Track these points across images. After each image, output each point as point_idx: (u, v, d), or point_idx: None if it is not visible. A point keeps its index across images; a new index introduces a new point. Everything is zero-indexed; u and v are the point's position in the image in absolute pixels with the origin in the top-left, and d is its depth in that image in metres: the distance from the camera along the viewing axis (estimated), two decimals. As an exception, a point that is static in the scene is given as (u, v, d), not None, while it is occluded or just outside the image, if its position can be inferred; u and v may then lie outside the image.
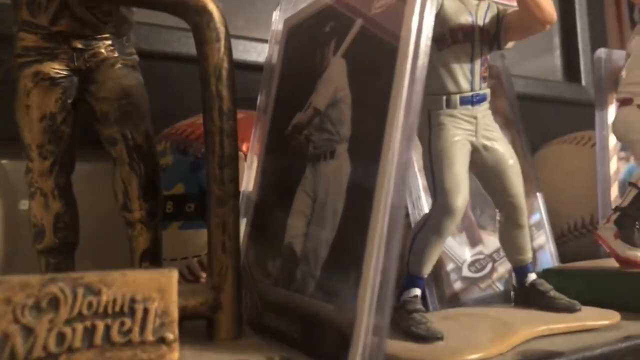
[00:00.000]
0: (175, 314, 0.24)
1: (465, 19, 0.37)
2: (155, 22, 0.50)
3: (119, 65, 0.35)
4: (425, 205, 0.45)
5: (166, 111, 0.44)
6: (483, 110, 0.38)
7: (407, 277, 0.37)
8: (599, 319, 0.37)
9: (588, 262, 0.51)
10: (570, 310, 0.38)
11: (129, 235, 0.33)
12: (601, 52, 0.58)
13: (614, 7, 0.88)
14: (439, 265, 0.47)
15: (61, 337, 0.22)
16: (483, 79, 0.38)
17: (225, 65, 0.29)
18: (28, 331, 0.21)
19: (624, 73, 0.50)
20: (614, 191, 0.57)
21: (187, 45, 0.52)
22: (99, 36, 0.34)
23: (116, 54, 0.35)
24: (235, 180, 0.29)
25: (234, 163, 0.29)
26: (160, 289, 0.23)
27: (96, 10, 0.33)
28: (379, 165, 0.24)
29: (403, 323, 0.34)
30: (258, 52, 0.56)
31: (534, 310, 0.39)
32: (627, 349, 0.34)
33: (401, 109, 0.24)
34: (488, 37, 0.38)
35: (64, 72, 0.34)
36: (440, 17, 0.37)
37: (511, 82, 0.59)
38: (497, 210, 0.40)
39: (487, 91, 0.38)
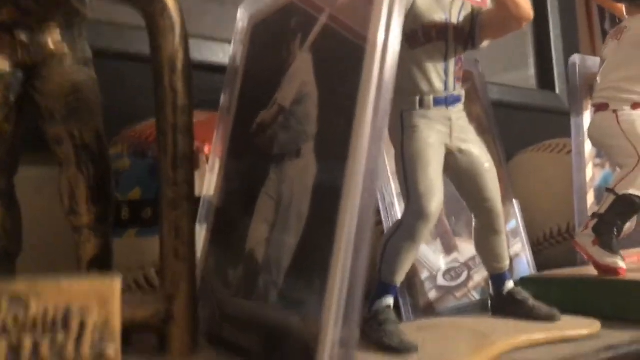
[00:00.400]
0: (117, 326, 0.21)
1: (439, 16, 0.36)
2: (112, 20, 0.47)
3: (69, 62, 0.32)
4: (398, 211, 0.43)
5: (123, 113, 0.41)
6: (457, 112, 0.36)
7: (379, 286, 0.35)
8: (579, 328, 0.36)
9: (566, 270, 0.49)
10: (550, 319, 0.37)
11: (75, 241, 0.30)
12: (575, 58, 0.57)
13: (586, 18, 0.88)
14: (413, 274, 0.45)
15: (-19, 355, 0.19)
16: (457, 79, 0.37)
17: (180, 56, 0.26)
18: (-59, 349, 0.18)
19: (599, 79, 0.49)
20: (590, 198, 0.56)
21: (140, 44, 0.50)
22: (46, 28, 0.32)
23: (66, 49, 0.32)
24: (190, 181, 0.26)
25: (188, 163, 0.26)
26: (101, 299, 0.21)
27: (42, -2, 0.30)
28: (347, 165, 0.22)
29: (374, 334, 0.32)
30: (225, 53, 0.54)
31: (512, 319, 0.37)
32: (609, 359, 0.33)
33: (369, 109, 0.22)
34: (462, 36, 0.36)
35: (7, 66, 0.31)
36: (412, 14, 0.36)
37: (486, 88, 0.58)
38: (473, 216, 0.39)
39: (462, 92, 0.37)
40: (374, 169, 0.22)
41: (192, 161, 0.26)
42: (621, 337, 0.35)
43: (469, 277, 0.46)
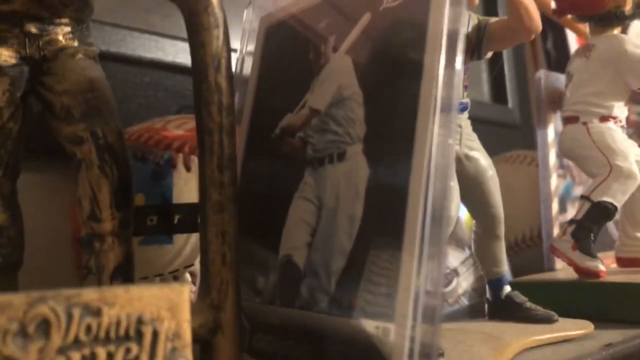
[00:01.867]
0: (188, 336, 0.20)
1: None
2: (99, 19, 0.45)
3: (80, 56, 0.30)
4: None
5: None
6: (465, 119, 0.37)
7: None
8: (576, 329, 0.37)
9: (539, 275, 0.52)
10: (549, 321, 0.38)
11: (95, 250, 0.28)
12: (540, 73, 0.60)
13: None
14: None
15: (54, 370, 0.17)
16: (465, 87, 0.38)
17: (225, 54, 0.25)
18: (11, 365, 0.17)
19: (568, 93, 0.52)
20: (555, 207, 0.59)
21: (132, 45, 0.48)
22: (57, 21, 0.30)
23: (76, 43, 0.30)
24: (235, 184, 0.25)
25: (233, 165, 0.25)
26: (171, 307, 0.20)
27: (56, -12, 0.28)
28: (412, 164, 0.22)
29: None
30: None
31: (511, 322, 0.38)
32: (611, 356, 0.34)
33: (437, 101, 0.22)
34: (469, 47, 0.37)
35: (13, 60, 0.29)
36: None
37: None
38: (475, 221, 0.40)
39: (468, 100, 0.38)
40: (445, 164, 0.22)
41: (236, 163, 0.25)
42: (614, 336, 0.37)
43: (458, 284, 0.47)
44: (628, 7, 0.49)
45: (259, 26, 0.36)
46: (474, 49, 0.38)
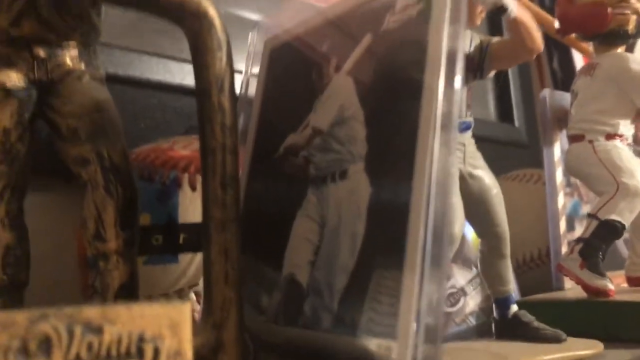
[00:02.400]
0: (189, 354, 0.20)
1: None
2: (109, 42, 0.46)
3: (86, 78, 0.31)
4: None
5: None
6: (469, 138, 0.38)
7: None
8: (586, 349, 0.37)
9: (552, 294, 0.51)
10: (557, 340, 0.38)
11: (100, 269, 0.28)
12: (545, 92, 0.61)
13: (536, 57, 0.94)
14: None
15: (55, 388, 0.17)
16: (468, 106, 0.38)
17: (228, 75, 0.26)
18: (12, 383, 0.17)
19: (573, 111, 0.52)
20: (562, 225, 0.59)
21: (140, 68, 0.49)
22: (65, 44, 0.30)
23: (83, 66, 0.31)
24: (237, 202, 0.25)
25: (235, 183, 0.25)
26: (172, 325, 0.20)
27: (65, 12, 0.29)
28: (413, 183, 0.22)
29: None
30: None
31: (519, 342, 0.38)
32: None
33: (437, 119, 0.22)
34: (472, 66, 0.38)
35: (22, 83, 0.29)
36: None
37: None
38: (480, 240, 0.39)
39: (471, 119, 0.38)
40: (446, 183, 0.22)
41: (238, 182, 0.26)
42: (624, 355, 0.37)
43: (465, 303, 0.47)
44: (631, 27, 0.49)
45: (264, 48, 0.37)
46: (476, 69, 0.38)
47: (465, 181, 0.37)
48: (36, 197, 0.32)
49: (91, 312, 0.18)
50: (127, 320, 0.19)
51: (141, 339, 0.19)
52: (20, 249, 0.29)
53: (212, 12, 0.26)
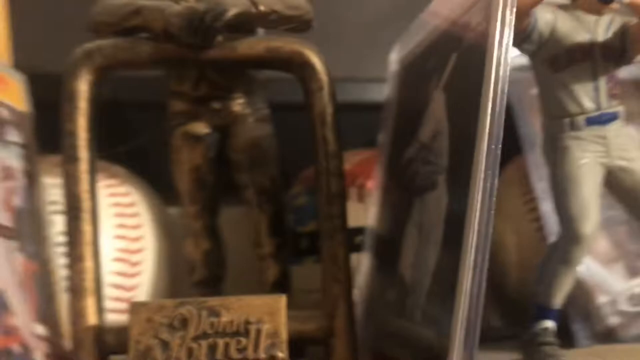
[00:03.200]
0: (284, 334, 0.26)
1: (582, 37, 0.36)
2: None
3: (250, 120, 0.39)
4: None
5: (301, 157, 0.48)
6: (615, 130, 0.36)
7: (537, 309, 0.36)
8: None
9: None
10: None
11: (260, 268, 0.37)
12: None
13: None
14: (587, 299, 0.44)
15: (190, 351, 0.26)
16: (611, 96, 0.36)
17: (329, 110, 0.32)
18: (165, 345, 0.26)
19: None
20: None
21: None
22: (232, 96, 0.39)
23: (248, 110, 0.40)
24: (343, 215, 0.31)
25: (340, 200, 0.31)
26: (271, 312, 0.27)
27: (226, 74, 0.38)
28: (469, 194, 0.25)
29: (532, 356, 0.33)
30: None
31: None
32: None
33: (485, 134, 0.25)
34: (612, 53, 0.36)
35: (206, 130, 0.39)
36: (554, 39, 0.36)
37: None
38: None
39: (618, 109, 0.36)
40: (490, 197, 0.24)
41: (344, 198, 0.31)
42: None
43: (653, 302, 0.43)
44: None
45: (398, 66, 0.41)
46: (619, 55, 0.36)
47: (615, 175, 0.35)
48: (230, 212, 0.43)
49: (214, 302, 0.27)
50: (237, 308, 0.27)
51: (247, 322, 0.26)
52: (217, 252, 0.40)
53: (313, 59, 0.32)
